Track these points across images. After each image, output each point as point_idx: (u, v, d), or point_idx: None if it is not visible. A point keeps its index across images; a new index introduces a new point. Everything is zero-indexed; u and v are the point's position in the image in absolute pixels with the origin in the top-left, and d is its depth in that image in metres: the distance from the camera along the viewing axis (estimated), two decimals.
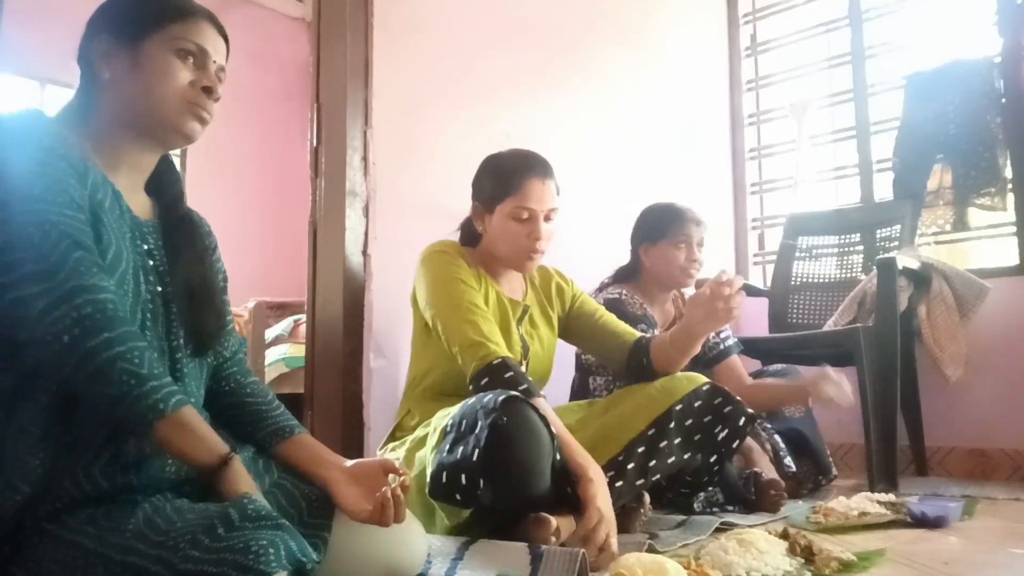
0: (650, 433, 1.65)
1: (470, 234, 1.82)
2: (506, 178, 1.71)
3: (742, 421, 1.70)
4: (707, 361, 2.27)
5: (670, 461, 1.64)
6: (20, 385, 0.96)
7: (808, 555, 1.36)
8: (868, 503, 1.82)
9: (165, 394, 0.93)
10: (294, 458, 1.18)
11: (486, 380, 1.51)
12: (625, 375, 1.88)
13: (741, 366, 2.28)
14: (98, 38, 1.09)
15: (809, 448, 2.22)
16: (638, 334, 1.86)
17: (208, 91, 1.11)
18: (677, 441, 1.65)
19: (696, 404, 1.69)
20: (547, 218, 1.72)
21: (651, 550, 1.37)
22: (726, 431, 1.70)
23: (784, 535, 1.43)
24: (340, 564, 1.11)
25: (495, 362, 1.52)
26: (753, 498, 1.90)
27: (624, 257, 2.32)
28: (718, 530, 1.59)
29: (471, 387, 1.53)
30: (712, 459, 1.72)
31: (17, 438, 0.94)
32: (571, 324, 1.92)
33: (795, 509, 1.90)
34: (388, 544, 1.15)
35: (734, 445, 1.73)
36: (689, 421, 1.67)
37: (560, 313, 1.91)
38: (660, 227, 2.21)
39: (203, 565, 0.82)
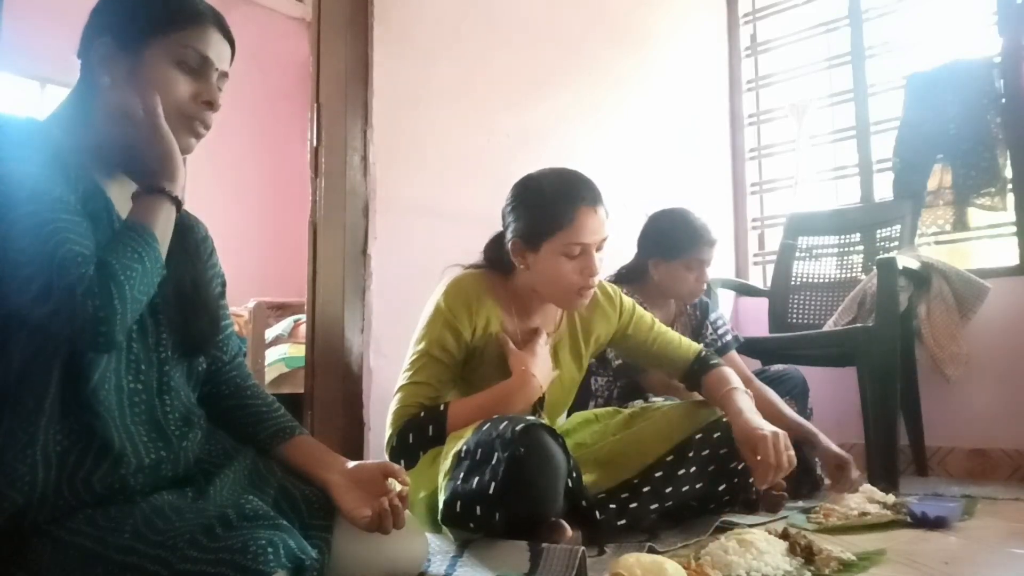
0: (669, 459, 1.66)
1: (498, 261, 1.66)
2: (553, 210, 1.52)
3: None
4: None
5: (684, 489, 1.65)
6: (7, 390, 0.95)
7: (808, 555, 1.36)
8: (868, 503, 1.82)
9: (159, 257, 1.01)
10: (295, 459, 1.18)
11: (409, 440, 1.53)
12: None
13: (741, 362, 2.25)
14: (99, 40, 1.05)
15: (796, 448, 2.20)
16: (696, 349, 1.80)
17: (209, 105, 1.08)
18: (693, 470, 1.65)
19: (716, 435, 1.69)
20: (598, 248, 1.56)
21: (651, 550, 1.37)
22: (742, 465, 1.68)
23: (784, 535, 1.43)
24: (340, 564, 1.11)
25: (406, 422, 1.53)
26: (754, 498, 1.89)
27: (626, 256, 2.30)
28: (718, 530, 1.59)
29: (394, 446, 1.54)
30: (721, 488, 1.70)
31: (5, 444, 0.93)
32: (618, 347, 1.84)
33: (795, 509, 1.89)
34: (388, 545, 1.15)
35: (750, 480, 1.71)
36: (707, 451, 1.67)
37: (597, 345, 1.78)
38: (675, 246, 2.13)
39: (202, 565, 0.82)
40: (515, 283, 1.65)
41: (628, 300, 1.81)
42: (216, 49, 1.09)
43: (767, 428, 1.57)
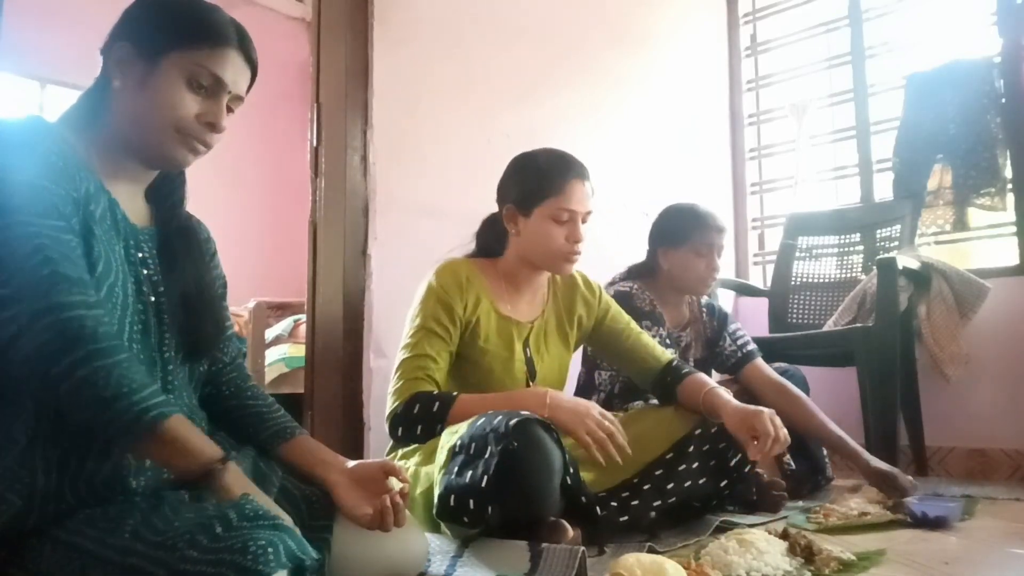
0: (669, 457, 1.68)
1: (490, 243, 1.77)
2: (546, 178, 1.66)
3: None
4: (730, 367, 2.24)
5: (686, 485, 1.66)
6: (4, 392, 0.94)
7: (808, 555, 1.36)
8: (868, 503, 1.82)
9: (136, 414, 0.89)
10: (295, 459, 1.18)
11: (414, 410, 1.55)
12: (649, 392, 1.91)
13: (770, 370, 2.21)
14: (119, 43, 1.05)
15: (805, 447, 2.21)
16: (668, 357, 1.84)
17: (212, 126, 1.07)
18: (695, 466, 1.67)
19: (713, 430, 1.71)
20: (584, 220, 1.68)
21: (651, 550, 1.37)
22: (739, 457, 1.71)
23: (784, 535, 1.43)
24: (341, 564, 1.11)
25: (408, 400, 1.55)
26: (754, 498, 1.89)
27: (625, 255, 2.31)
28: (718, 530, 1.59)
29: (397, 412, 1.56)
30: (723, 483, 1.72)
31: (2, 446, 0.93)
32: (596, 338, 1.88)
33: (795, 509, 1.90)
34: (388, 545, 1.15)
35: (745, 470, 1.74)
36: (707, 447, 1.69)
37: (581, 329, 1.85)
38: (682, 233, 2.15)
39: (201, 565, 0.81)
40: (504, 263, 1.75)
41: (607, 295, 1.90)
42: (233, 73, 1.08)
43: (749, 409, 1.63)
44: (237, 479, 0.97)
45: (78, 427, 0.93)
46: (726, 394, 1.71)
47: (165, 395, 0.96)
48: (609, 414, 1.56)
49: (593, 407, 1.54)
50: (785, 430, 1.61)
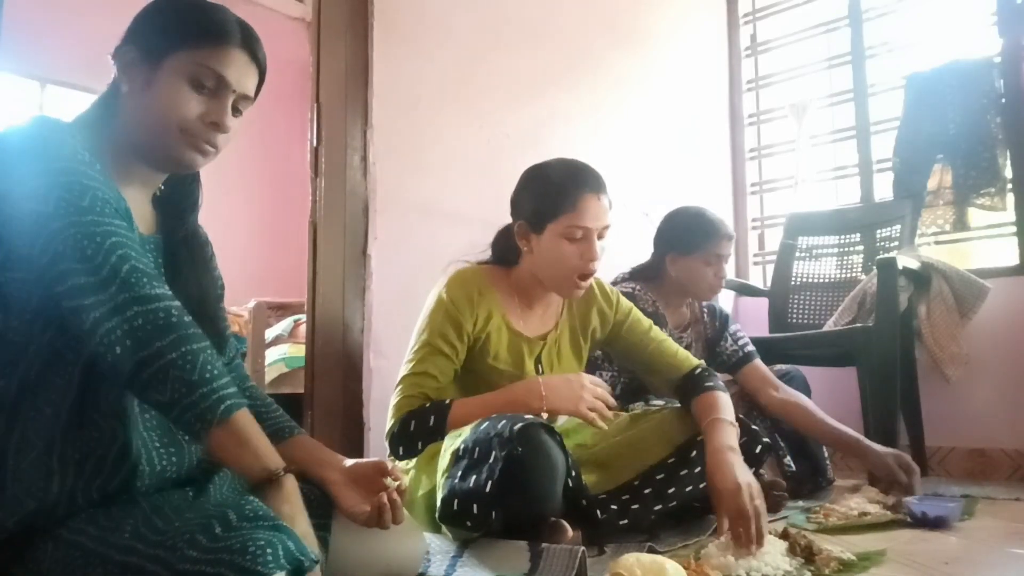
0: (671, 461, 1.66)
1: (505, 253, 1.70)
2: (558, 193, 1.57)
3: (758, 450, 1.70)
4: (729, 367, 2.23)
5: (688, 489, 1.65)
6: (23, 395, 0.94)
7: (808, 555, 1.36)
8: (868, 503, 1.82)
9: (215, 400, 0.90)
10: (293, 458, 1.17)
11: (410, 428, 1.53)
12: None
13: (767, 371, 2.20)
14: (126, 47, 1.05)
15: (806, 448, 2.21)
16: (690, 365, 1.73)
17: (215, 126, 1.06)
18: (697, 471, 1.64)
19: None
20: (600, 236, 1.59)
21: (651, 550, 1.37)
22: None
23: (784, 535, 1.43)
24: (339, 563, 1.11)
25: (404, 417, 1.54)
26: None
27: (626, 255, 2.30)
28: (718, 530, 1.59)
29: (394, 432, 1.55)
30: None
31: (19, 450, 0.93)
32: (612, 347, 1.83)
33: (795, 509, 1.90)
34: (387, 544, 1.16)
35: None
36: None
37: (594, 341, 1.80)
38: (692, 240, 2.13)
39: (201, 565, 0.81)
40: (518, 275, 1.69)
41: (626, 302, 1.81)
42: (237, 71, 1.06)
43: (731, 481, 1.42)
44: (293, 496, 0.96)
45: (156, 409, 0.94)
46: (724, 436, 1.53)
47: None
48: (596, 378, 1.57)
49: (584, 378, 1.55)
50: (756, 503, 1.38)
